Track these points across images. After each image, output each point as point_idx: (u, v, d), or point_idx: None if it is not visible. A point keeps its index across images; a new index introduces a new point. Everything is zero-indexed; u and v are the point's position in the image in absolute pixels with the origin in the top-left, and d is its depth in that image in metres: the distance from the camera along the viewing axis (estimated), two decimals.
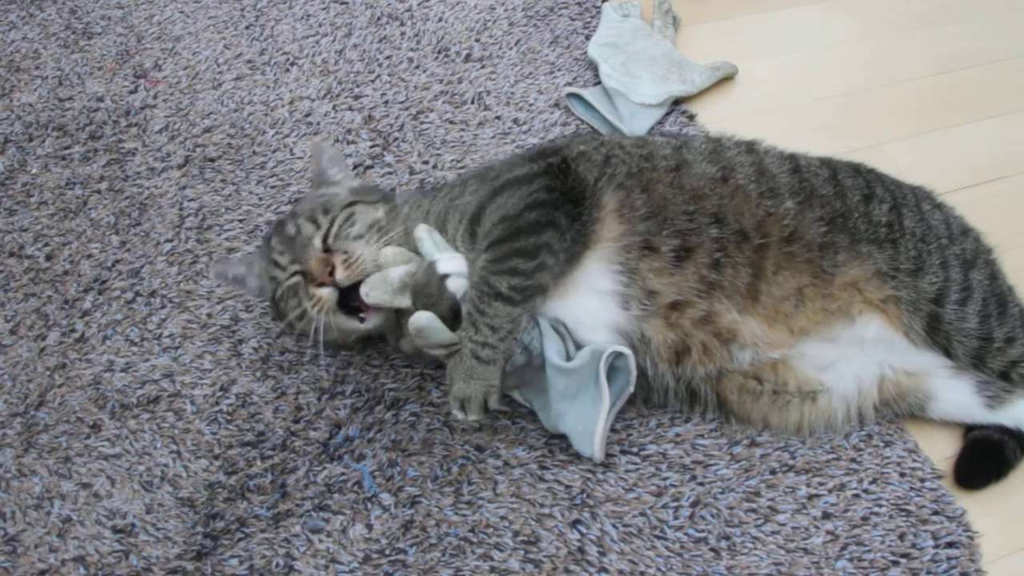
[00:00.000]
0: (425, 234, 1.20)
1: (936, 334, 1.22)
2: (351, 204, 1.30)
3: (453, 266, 1.16)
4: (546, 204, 1.18)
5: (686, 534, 1.19)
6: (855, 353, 1.25)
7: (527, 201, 1.19)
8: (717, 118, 1.72)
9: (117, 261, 1.49)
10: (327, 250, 1.23)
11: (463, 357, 1.16)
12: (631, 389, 1.22)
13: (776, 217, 1.23)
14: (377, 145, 1.66)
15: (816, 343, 1.24)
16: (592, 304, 1.22)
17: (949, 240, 1.28)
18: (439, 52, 1.84)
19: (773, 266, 1.22)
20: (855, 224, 1.25)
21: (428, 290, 1.15)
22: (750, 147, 1.34)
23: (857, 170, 1.33)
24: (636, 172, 1.26)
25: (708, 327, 1.22)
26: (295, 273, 1.25)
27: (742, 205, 1.24)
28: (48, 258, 1.49)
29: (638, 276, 1.21)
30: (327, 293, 1.20)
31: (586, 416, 1.21)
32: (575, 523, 1.20)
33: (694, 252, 1.21)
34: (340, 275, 1.19)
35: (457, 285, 1.16)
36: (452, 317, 1.17)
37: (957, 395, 1.26)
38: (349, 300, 1.21)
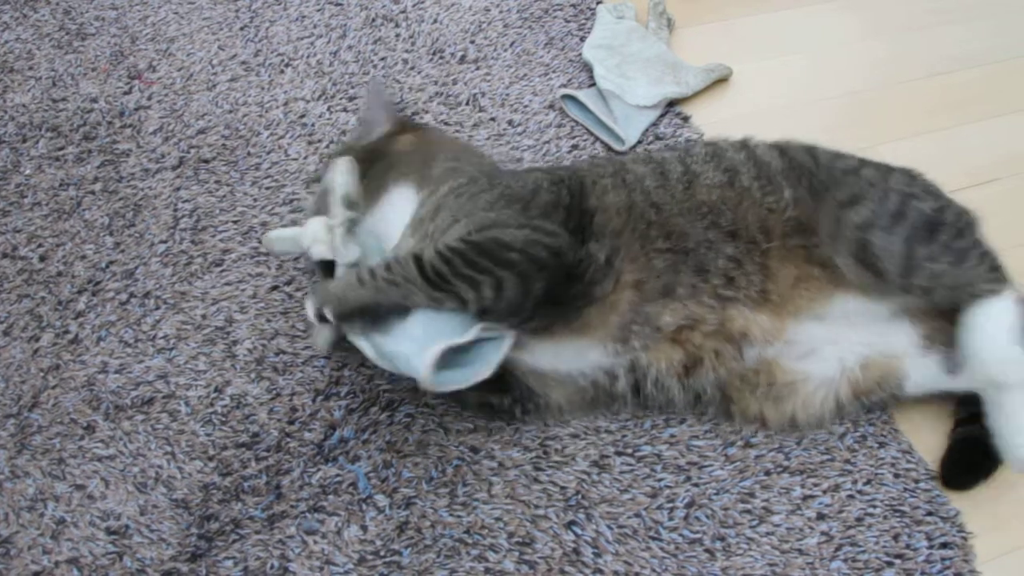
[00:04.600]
0: (341, 178, 1.19)
1: (865, 255, 1.19)
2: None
3: (316, 234, 1.15)
4: (536, 261, 1.13)
5: (681, 535, 1.19)
6: (842, 329, 1.24)
7: (525, 244, 1.13)
8: (711, 120, 1.73)
9: (111, 262, 1.48)
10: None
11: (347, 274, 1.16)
12: (486, 373, 1.14)
13: (778, 212, 1.23)
14: None
15: (808, 324, 1.24)
16: (566, 364, 1.24)
17: (886, 176, 1.28)
18: (434, 54, 1.84)
19: (777, 262, 1.22)
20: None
21: None
22: (744, 144, 1.35)
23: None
24: (656, 203, 1.24)
25: (720, 335, 1.22)
26: None
27: (748, 210, 1.24)
28: (42, 259, 1.49)
29: (648, 330, 1.21)
30: None
31: (442, 336, 1.11)
32: (570, 524, 1.20)
33: (709, 275, 1.21)
34: None
35: (322, 251, 1.14)
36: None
37: (926, 371, 1.25)
38: None
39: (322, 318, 1.13)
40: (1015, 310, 1.18)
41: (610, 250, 1.20)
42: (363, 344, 1.15)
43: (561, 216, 1.22)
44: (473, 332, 1.12)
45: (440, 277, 1.10)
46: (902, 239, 1.18)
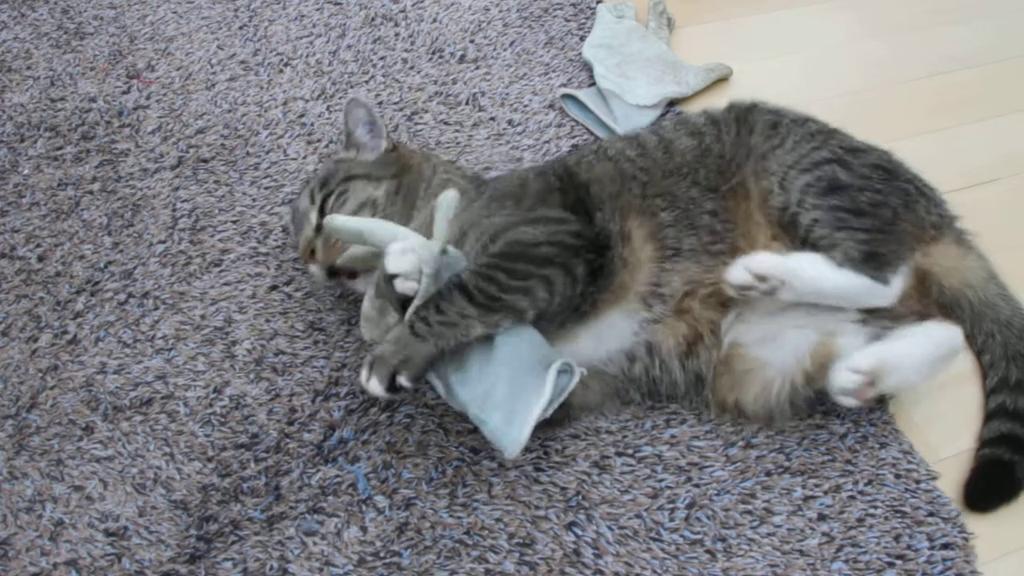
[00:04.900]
0: (443, 204, 1.14)
1: (784, 183, 1.28)
2: (349, 179, 1.32)
3: (403, 265, 1.10)
4: (567, 248, 1.17)
5: (682, 536, 1.19)
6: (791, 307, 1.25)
7: (549, 237, 1.17)
8: None
9: (110, 262, 1.48)
10: (320, 227, 1.28)
11: (401, 326, 1.13)
12: (553, 406, 1.12)
13: (726, 156, 1.32)
14: None
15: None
16: (604, 346, 1.26)
17: (830, 135, 1.36)
18: (433, 53, 1.83)
19: (733, 204, 1.28)
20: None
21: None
22: (704, 112, 1.42)
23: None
24: (643, 168, 1.31)
25: (713, 299, 1.24)
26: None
27: (712, 164, 1.31)
28: (40, 259, 1.48)
29: (665, 295, 1.24)
30: (315, 269, 1.29)
31: (527, 395, 1.09)
32: (571, 525, 1.19)
33: (699, 231, 1.25)
34: (320, 257, 1.27)
35: (406, 287, 1.10)
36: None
37: (856, 349, 1.22)
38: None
39: (393, 388, 1.10)
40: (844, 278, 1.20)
41: (614, 213, 1.25)
42: (435, 382, 1.14)
43: (558, 199, 1.26)
44: (551, 382, 1.09)
45: (491, 298, 1.11)
46: (804, 182, 1.26)
